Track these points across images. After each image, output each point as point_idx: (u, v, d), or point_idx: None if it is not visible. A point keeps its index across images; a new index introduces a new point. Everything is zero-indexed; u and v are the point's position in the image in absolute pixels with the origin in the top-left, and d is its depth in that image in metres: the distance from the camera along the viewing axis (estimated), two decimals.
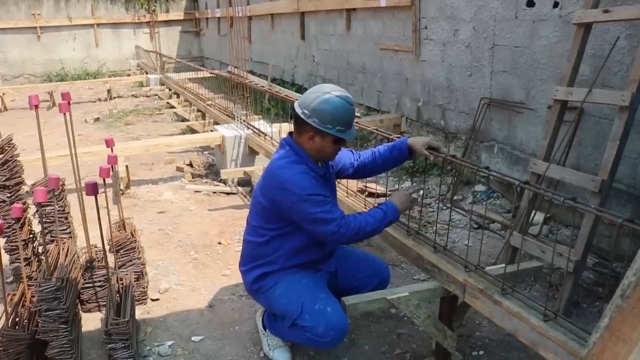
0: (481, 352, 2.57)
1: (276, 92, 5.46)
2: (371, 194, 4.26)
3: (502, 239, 3.63)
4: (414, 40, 5.47)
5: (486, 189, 4.50)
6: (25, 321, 2.41)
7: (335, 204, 2.38)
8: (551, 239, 3.35)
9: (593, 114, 3.44)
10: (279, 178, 2.29)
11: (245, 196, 4.85)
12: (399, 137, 2.72)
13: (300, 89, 8.43)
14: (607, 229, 3.29)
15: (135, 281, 2.95)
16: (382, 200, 3.30)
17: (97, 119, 8.66)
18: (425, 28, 5.30)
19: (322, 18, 7.92)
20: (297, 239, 2.39)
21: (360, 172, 2.72)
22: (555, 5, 3.70)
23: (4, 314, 2.35)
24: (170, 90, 10.36)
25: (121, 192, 4.66)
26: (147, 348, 2.66)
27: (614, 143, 2.69)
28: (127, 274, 2.89)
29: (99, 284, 2.94)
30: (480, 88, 4.60)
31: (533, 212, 3.17)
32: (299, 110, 2.29)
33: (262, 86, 6.40)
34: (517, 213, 3.32)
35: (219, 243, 3.86)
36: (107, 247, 2.83)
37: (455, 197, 4.42)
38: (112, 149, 3.17)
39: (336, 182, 2.80)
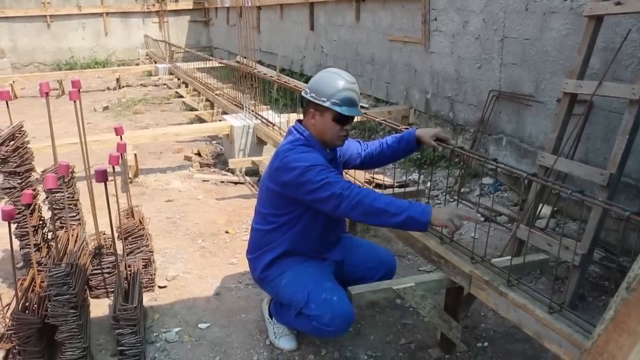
0: (486, 344, 2.58)
1: (284, 82, 5.46)
2: (378, 185, 4.26)
3: (509, 231, 3.63)
4: (423, 32, 5.44)
5: (494, 181, 4.49)
6: (35, 306, 2.44)
7: (342, 176, 2.33)
8: (558, 233, 3.34)
9: (603, 107, 3.41)
10: (285, 159, 2.29)
11: (253, 186, 4.87)
12: (407, 129, 2.72)
13: (309, 80, 8.41)
14: (615, 223, 3.28)
15: (143, 268, 2.98)
16: (389, 191, 3.30)
17: (106, 108, 8.69)
18: (435, 19, 5.27)
19: (331, 9, 7.89)
20: (304, 223, 2.39)
21: (368, 162, 2.72)
22: None
23: (15, 298, 2.38)
24: (178, 79, 10.36)
25: (130, 180, 4.69)
26: (154, 334, 2.69)
27: (623, 137, 2.67)
28: (135, 261, 2.92)
29: (107, 270, 2.97)
30: (489, 80, 4.58)
31: (540, 205, 3.16)
32: (303, 92, 2.40)
33: (271, 76, 6.40)
34: (524, 206, 3.32)
35: (227, 232, 3.89)
36: (115, 234, 2.86)
37: (462, 190, 4.42)
38: (121, 137, 3.18)
39: (343, 173, 2.80)
